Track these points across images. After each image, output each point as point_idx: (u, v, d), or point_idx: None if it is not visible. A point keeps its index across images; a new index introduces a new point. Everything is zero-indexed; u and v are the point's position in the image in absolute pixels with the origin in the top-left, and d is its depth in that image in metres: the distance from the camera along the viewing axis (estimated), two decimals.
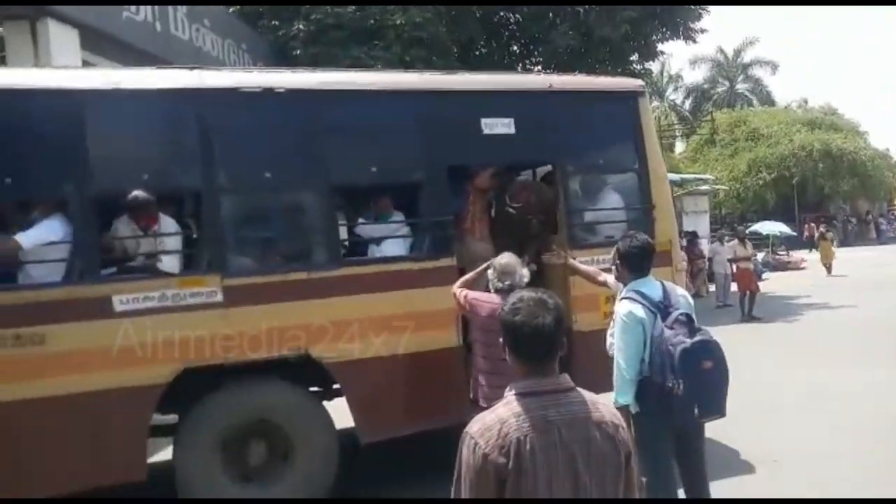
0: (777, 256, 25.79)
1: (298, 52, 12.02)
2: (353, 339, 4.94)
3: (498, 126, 5.30)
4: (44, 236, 4.44)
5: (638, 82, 6.12)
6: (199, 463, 4.69)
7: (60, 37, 7.15)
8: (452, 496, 2.04)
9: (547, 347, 2.06)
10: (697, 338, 3.61)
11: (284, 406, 4.90)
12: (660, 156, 5.94)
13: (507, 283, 4.38)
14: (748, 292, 13.67)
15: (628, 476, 2.09)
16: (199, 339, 4.62)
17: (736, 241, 14.75)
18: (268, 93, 4.83)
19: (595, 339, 4.94)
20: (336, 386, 5.34)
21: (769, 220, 30.24)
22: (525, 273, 4.51)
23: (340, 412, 5.13)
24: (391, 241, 5.30)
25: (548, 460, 1.95)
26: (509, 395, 2.06)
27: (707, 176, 28.10)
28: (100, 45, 7.91)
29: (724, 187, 31.83)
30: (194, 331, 4.60)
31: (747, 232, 17.53)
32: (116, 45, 8.10)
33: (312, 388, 5.22)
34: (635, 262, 3.93)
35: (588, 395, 2.11)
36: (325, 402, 5.22)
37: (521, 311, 2.06)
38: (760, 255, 25.18)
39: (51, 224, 4.50)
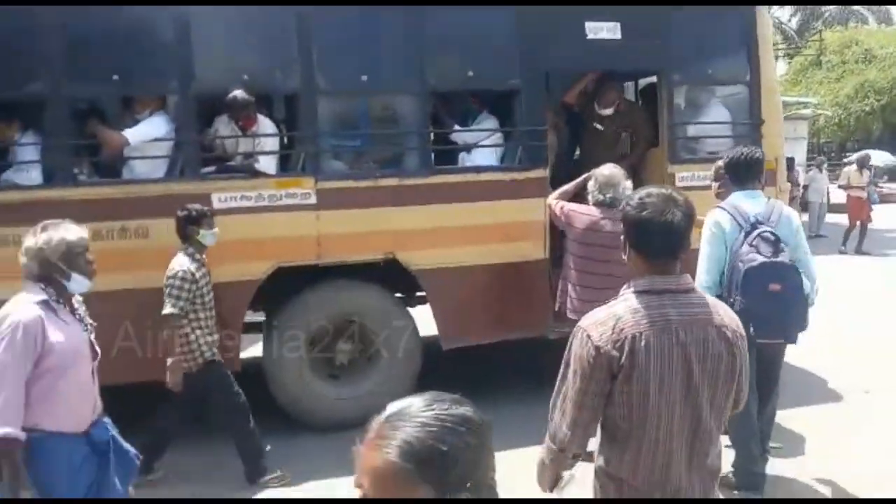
0: (879, 188, 24.30)
1: None
2: (439, 247, 4.95)
3: (602, 31, 5.03)
4: (149, 133, 4.55)
5: None
6: (289, 360, 4.86)
7: None
8: (556, 391, 2.01)
9: (673, 245, 1.97)
10: (771, 259, 3.44)
11: (371, 308, 5.00)
12: (774, 68, 5.57)
13: (608, 195, 4.20)
14: (859, 223, 12.69)
15: (738, 387, 2.01)
16: (291, 238, 4.72)
17: (854, 167, 13.54)
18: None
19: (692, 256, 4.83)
20: (420, 293, 5.41)
21: (872, 149, 28.25)
22: (628, 185, 4.27)
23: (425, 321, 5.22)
24: (483, 149, 5.19)
25: (662, 359, 1.89)
26: (626, 291, 1.99)
27: (809, 99, 26.39)
28: None
29: (826, 112, 29.88)
30: (288, 231, 4.70)
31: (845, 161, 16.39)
32: None
33: (397, 294, 5.29)
34: (741, 174, 3.73)
35: (710, 298, 2.02)
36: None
37: (649, 207, 1.96)
38: None
39: (155, 121, 4.61)
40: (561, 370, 2.02)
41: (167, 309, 4.04)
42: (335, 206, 4.76)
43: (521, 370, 5.93)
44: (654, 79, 5.66)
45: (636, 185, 5.35)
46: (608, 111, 5.54)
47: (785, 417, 4.53)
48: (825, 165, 16.14)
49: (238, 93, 4.56)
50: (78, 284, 2.75)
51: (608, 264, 4.12)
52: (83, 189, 4.45)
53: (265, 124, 4.79)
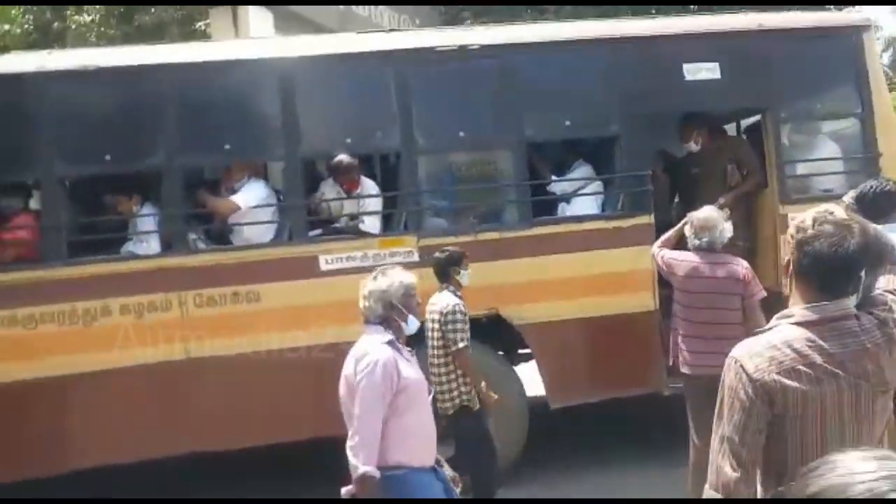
0: None
1: (469, 22, 12.00)
2: (543, 301, 4.84)
3: (701, 71, 4.93)
4: (255, 198, 4.71)
5: (862, 16, 5.46)
6: None
7: (258, 19, 7.61)
8: (715, 429, 1.86)
9: (840, 272, 1.80)
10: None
11: (476, 366, 4.89)
12: (888, 98, 5.28)
13: (704, 239, 4.03)
14: None
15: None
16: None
17: None
18: (462, 50, 4.80)
19: None
20: (522, 350, 5.28)
21: None
22: (727, 227, 4.10)
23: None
24: (584, 199, 5.11)
25: (824, 398, 1.74)
26: (782, 321, 1.84)
27: None
28: (289, 24, 8.32)
29: None
30: None
31: None
32: (303, 23, 8.49)
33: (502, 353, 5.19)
34: (880, 208, 3.47)
35: (875, 318, 1.83)
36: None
37: (818, 228, 1.80)
38: None
39: (257, 186, 4.77)
40: (716, 410, 1.87)
41: (461, 343, 4.01)
42: None
43: (632, 430, 5.65)
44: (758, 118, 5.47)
45: (749, 226, 5.20)
46: (695, 147, 5.38)
47: None
48: None
49: (343, 157, 4.69)
50: (412, 325, 3.00)
51: (714, 311, 3.97)
52: (199, 256, 4.62)
53: (368, 185, 4.89)
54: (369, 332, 2.92)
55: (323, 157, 4.85)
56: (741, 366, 1.80)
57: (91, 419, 4.43)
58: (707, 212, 4.17)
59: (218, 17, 7.73)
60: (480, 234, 4.85)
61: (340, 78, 4.83)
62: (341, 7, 9.42)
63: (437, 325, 4.07)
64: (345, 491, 2.70)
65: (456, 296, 4.13)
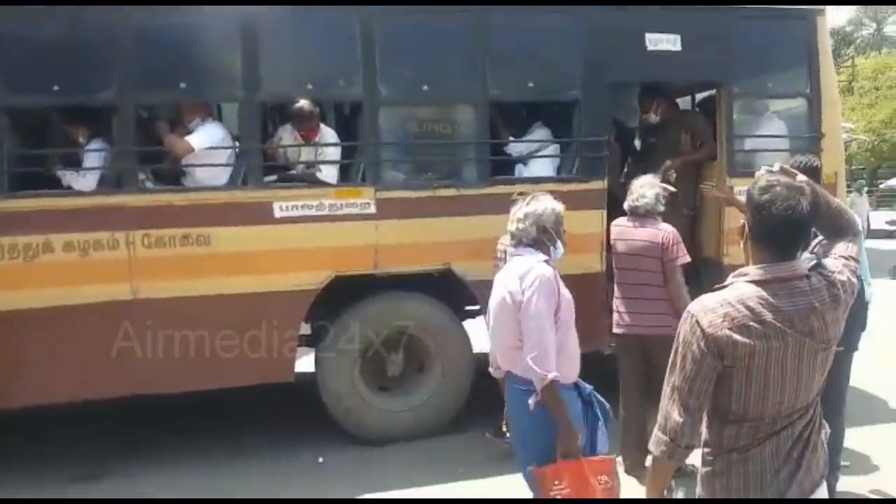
0: None
1: None
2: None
3: (663, 42, 5.01)
4: (209, 140, 4.60)
5: None
6: (342, 371, 4.84)
7: None
8: (666, 381, 1.98)
9: (793, 232, 1.92)
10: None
11: (426, 320, 4.97)
12: (834, 81, 5.51)
13: (635, 203, 4.19)
14: None
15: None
16: (350, 248, 4.72)
17: None
18: (430, 4, 4.73)
19: None
20: (471, 307, 5.36)
21: None
22: (659, 196, 4.21)
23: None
24: (541, 160, 5.17)
25: (769, 352, 1.86)
26: (738, 280, 1.94)
27: (843, 125, 26.05)
28: None
29: (860, 137, 29.51)
30: (347, 240, 4.70)
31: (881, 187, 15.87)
32: None
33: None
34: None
35: (826, 276, 1.96)
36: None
37: (773, 191, 1.90)
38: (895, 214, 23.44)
39: (212, 128, 4.66)
40: (670, 359, 1.99)
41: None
42: (393, 216, 4.76)
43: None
44: (712, 92, 5.62)
45: (695, 196, 5.38)
46: (654, 118, 5.54)
47: (850, 435, 4.40)
48: (865, 190, 15.88)
49: (303, 102, 4.61)
50: (559, 251, 3.11)
51: (637, 273, 4.18)
52: (148, 196, 4.50)
53: (327, 134, 4.83)
54: (522, 252, 3.03)
55: (282, 101, 4.75)
56: (696, 321, 1.91)
57: (32, 357, 4.32)
58: (644, 179, 4.32)
59: None
60: (438, 189, 4.86)
61: (304, 23, 4.71)
62: None
63: None
64: (531, 402, 2.78)
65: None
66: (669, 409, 1.95)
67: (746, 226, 2.00)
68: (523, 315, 2.83)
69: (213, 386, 4.63)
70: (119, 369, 4.42)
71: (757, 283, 1.91)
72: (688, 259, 4.17)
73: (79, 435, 5.17)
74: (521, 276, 2.88)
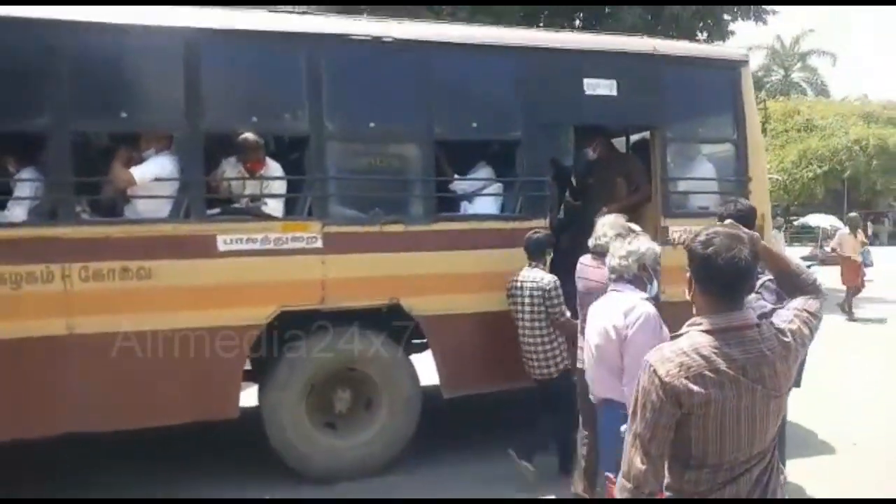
0: (825, 250, 25.23)
1: (367, 13, 11.93)
2: (442, 294, 4.96)
3: (600, 87, 5.23)
4: (155, 172, 4.50)
5: (742, 51, 6.01)
6: (288, 407, 4.76)
7: None
8: (629, 425, 2.04)
9: (739, 282, 2.02)
10: (775, 306, 3.57)
11: (372, 355, 4.94)
12: (759, 127, 5.85)
13: (593, 242, 4.31)
14: (852, 288, 12.23)
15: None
16: (296, 282, 4.68)
17: (847, 230, 12.91)
18: (377, 41, 4.81)
19: (681, 311, 4.95)
20: (418, 341, 5.37)
21: (816, 213, 29.45)
22: (609, 235, 4.24)
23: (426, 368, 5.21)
24: (485, 199, 5.28)
25: (724, 400, 1.94)
26: (692, 329, 2.03)
27: None
28: None
29: (775, 176, 31.15)
30: (293, 274, 4.66)
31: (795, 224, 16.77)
32: None
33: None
34: (746, 223, 3.86)
35: (775, 325, 2.06)
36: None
37: (714, 243, 2.01)
38: (808, 250, 24.77)
39: (161, 161, 4.56)
40: (630, 408, 2.06)
41: (568, 313, 4.60)
42: (340, 251, 4.75)
43: (519, 422, 5.90)
44: (645, 135, 5.87)
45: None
46: (593, 155, 5.80)
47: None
48: (782, 228, 16.70)
49: (248, 135, 4.57)
50: (653, 289, 3.38)
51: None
52: (86, 228, 4.35)
53: (273, 167, 4.79)
54: (622, 288, 3.32)
55: (227, 134, 4.70)
56: (654, 370, 1.99)
57: None
58: (607, 218, 4.43)
59: None
60: (385, 225, 4.89)
61: (251, 55, 4.69)
62: None
63: (537, 299, 4.63)
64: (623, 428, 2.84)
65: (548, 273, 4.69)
66: (632, 457, 2.00)
67: (692, 277, 2.08)
68: (625, 348, 3.13)
69: (154, 424, 4.48)
70: (54, 407, 4.23)
71: (710, 332, 2.00)
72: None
73: (17, 465, 4.87)
74: (626, 312, 3.19)
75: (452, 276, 4.98)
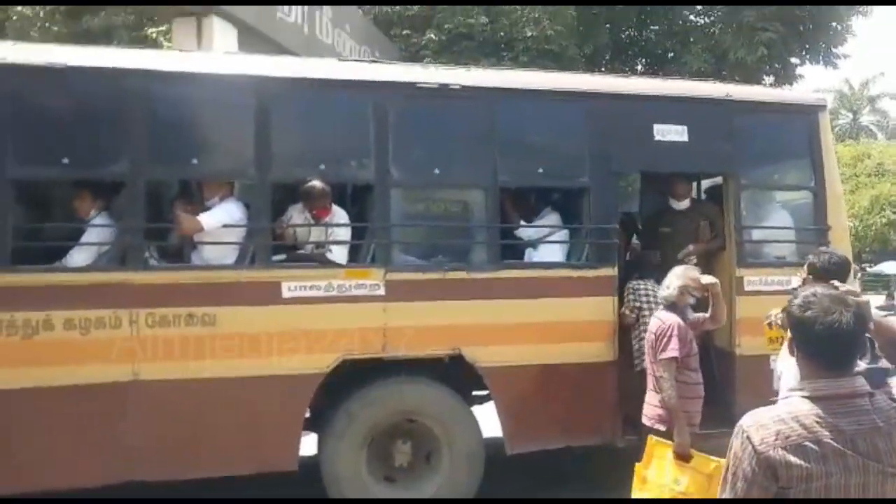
0: None
1: (428, 60, 12.13)
2: (505, 344, 4.82)
3: (671, 133, 5.09)
4: (223, 219, 4.53)
5: (820, 96, 5.80)
6: (346, 458, 4.65)
7: (222, 33, 7.44)
8: (719, 492, 1.89)
9: (842, 347, 1.85)
10: (871, 365, 3.33)
11: (434, 406, 4.82)
12: (837, 174, 5.59)
13: (661, 293, 4.31)
14: None
15: None
16: (359, 330, 4.61)
17: None
18: (444, 89, 4.80)
19: (758, 364, 4.71)
20: (479, 392, 5.23)
21: (890, 260, 28.23)
22: (673, 286, 4.28)
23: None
24: (551, 246, 5.15)
25: (829, 477, 1.75)
26: (793, 395, 1.87)
27: None
28: (253, 43, 8.18)
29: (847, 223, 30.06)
30: (355, 322, 4.60)
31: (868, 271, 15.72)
32: (268, 44, 8.36)
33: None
34: (831, 275, 3.63)
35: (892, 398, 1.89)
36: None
37: (814, 307, 1.86)
38: (883, 298, 23.64)
39: (228, 207, 4.60)
40: (723, 473, 1.90)
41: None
42: (403, 298, 4.67)
43: (585, 479, 5.67)
44: (717, 180, 5.68)
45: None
46: (684, 204, 5.54)
47: None
48: (857, 276, 16.02)
49: (315, 182, 4.58)
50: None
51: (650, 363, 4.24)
52: (154, 273, 4.39)
53: (339, 214, 4.78)
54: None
55: (294, 181, 4.72)
56: (748, 436, 1.82)
57: (26, 439, 4.10)
58: (676, 269, 4.41)
59: (181, 25, 7.52)
60: (448, 272, 4.80)
61: (320, 103, 4.75)
62: (306, 31, 9.34)
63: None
64: None
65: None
66: None
67: (792, 342, 1.95)
68: None
69: (212, 474, 4.41)
70: (116, 454, 4.22)
71: (813, 399, 1.83)
72: (671, 354, 4.10)
73: None
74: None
75: (517, 326, 4.84)
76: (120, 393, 4.20)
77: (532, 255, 5.19)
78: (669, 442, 3.97)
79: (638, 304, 5.07)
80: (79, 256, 4.45)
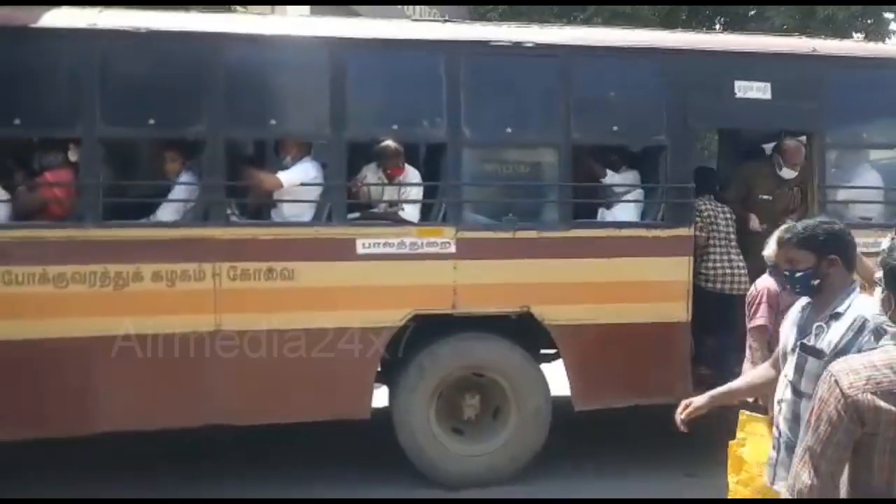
0: None
1: (498, 22, 11.98)
2: (575, 303, 4.82)
3: (752, 90, 4.92)
4: (300, 177, 4.67)
5: None
6: (416, 409, 4.78)
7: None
8: (800, 440, 1.92)
9: None
10: None
11: (502, 362, 4.89)
12: None
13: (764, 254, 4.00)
14: None
15: None
16: (430, 287, 4.70)
17: None
18: (517, 46, 4.77)
19: None
20: (548, 351, 5.26)
21: None
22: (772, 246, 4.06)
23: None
24: (624, 205, 5.09)
25: None
26: (888, 343, 1.83)
27: None
28: (325, 9, 8.27)
29: None
30: (426, 279, 4.69)
31: None
32: (338, 10, 8.43)
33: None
34: None
35: None
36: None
37: None
38: None
39: (305, 166, 4.73)
40: (807, 418, 1.89)
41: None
42: (473, 256, 4.73)
43: (650, 436, 5.66)
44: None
45: None
46: (793, 173, 5.26)
47: None
48: None
49: (389, 142, 4.65)
50: None
51: None
52: (235, 229, 4.57)
53: (411, 174, 4.85)
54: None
55: (368, 141, 4.81)
56: (836, 381, 1.80)
57: (116, 383, 4.38)
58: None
59: None
60: (519, 231, 4.82)
61: (393, 63, 4.80)
62: None
63: None
64: None
65: None
66: (799, 471, 1.85)
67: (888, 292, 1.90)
68: None
69: (289, 419, 4.63)
70: (198, 399, 4.46)
71: None
72: (759, 322, 3.88)
73: (143, 461, 5.20)
74: None
75: (587, 285, 4.83)
76: (203, 342, 4.42)
77: (605, 215, 5.13)
78: (762, 416, 3.71)
79: (700, 224, 5.03)
80: (165, 212, 4.67)
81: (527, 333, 4.94)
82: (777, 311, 3.79)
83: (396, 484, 4.80)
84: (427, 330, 4.78)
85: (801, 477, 1.82)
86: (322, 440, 5.43)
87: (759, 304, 3.92)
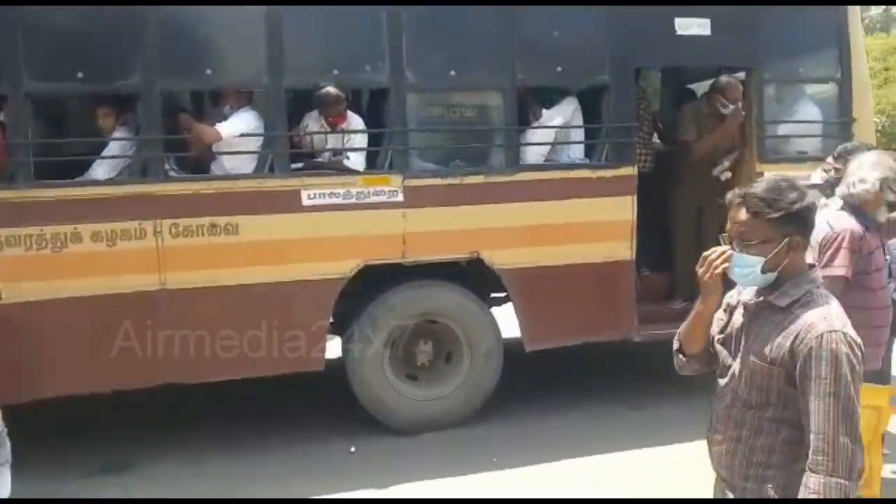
0: None
1: None
2: (524, 246, 4.88)
3: (692, 27, 4.93)
4: (240, 128, 4.53)
5: None
6: (370, 359, 4.81)
7: None
8: (825, 416, 1.74)
9: None
10: None
11: (454, 308, 4.94)
12: (865, 66, 5.42)
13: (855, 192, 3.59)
14: None
15: None
16: (379, 236, 4.68)
17: None
18: None
19: None
20: (496, 294, 5.33)
21: None
22: (870, 180, 3.23)
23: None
24: (570, 145, 5.10)
25: None
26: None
27: None
28: None
29: (874, 119, 29.22)
30: (375, 228, 4.66)
31: None
32: None
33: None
34: None
35: None
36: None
37: None
38: None
39: (244, 116, 4.59)
40: (823, 390, 1.75)
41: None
42: (421, 204, 4.71)
43: (601, 373, 5.86)
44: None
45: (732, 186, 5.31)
46: (730, 109, 5.23)
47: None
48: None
49: (330, 89, 4.54)
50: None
51: None
52: (175, 184, 4.44)
53: (355, 121, 4.76)
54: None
55: (309, 88, 4.68)
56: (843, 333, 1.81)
57: (62, 347, 4.28)
58: (867, 157, 3.40)
59: None
60: (466, 176, 4.80)
61: (330, 8, 4.63)
62: None
63: None
64: None
65: None
66: (853, 450, 1.73)
67: None
68: None
69: (242, 375, 4.61)
70: (148, 359, 4.38)
71: None
72: (837, 272, 3.08)
73: (108, 423, 5.15)
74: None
75: (535, 228, 4.87)
76: (149, 301, 4.34)
77: (551, 153, 5.13)
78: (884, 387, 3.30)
79: None
80: (102, 170, 4.50)
81: (477, 278, 4.99)
82: (859, 256, 3.18)
83: (355, 431, 4.87)
84: (378, 280, 4.77)
85: (858, 455, 1.73)
86: (277, 395, 5.46)
87: (838, 248, 3.14)
